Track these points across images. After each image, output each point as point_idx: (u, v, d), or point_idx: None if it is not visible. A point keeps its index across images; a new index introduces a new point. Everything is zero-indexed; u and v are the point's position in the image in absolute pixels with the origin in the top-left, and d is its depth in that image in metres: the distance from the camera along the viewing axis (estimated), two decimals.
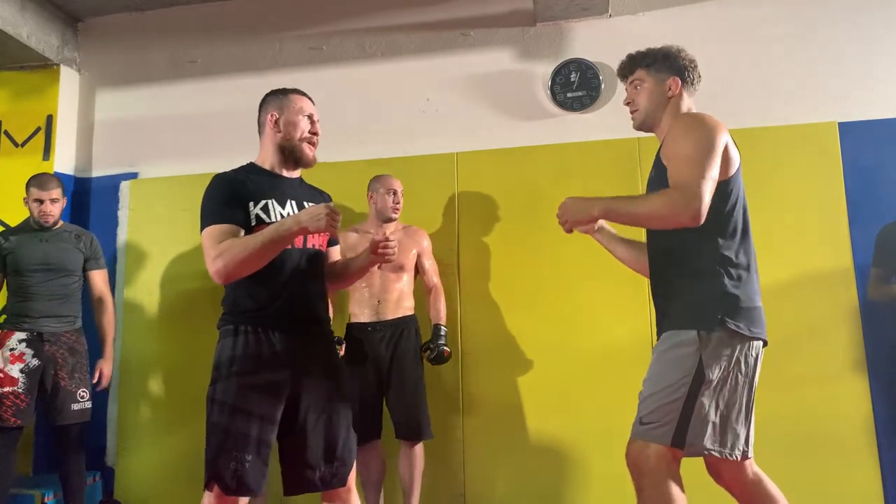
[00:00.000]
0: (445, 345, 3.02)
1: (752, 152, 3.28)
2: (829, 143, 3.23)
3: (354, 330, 3.09)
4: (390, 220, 3.14)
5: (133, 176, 3.95)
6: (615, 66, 3.49)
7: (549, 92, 3.55)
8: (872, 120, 3.24)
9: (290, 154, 2.19)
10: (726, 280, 1.84)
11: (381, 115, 3.71)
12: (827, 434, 3.02)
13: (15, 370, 3.02)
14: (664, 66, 2.06)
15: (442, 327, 3.07)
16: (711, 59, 3.44)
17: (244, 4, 4.00)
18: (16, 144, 3.96)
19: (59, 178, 3.33)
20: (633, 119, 2.14)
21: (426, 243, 3.24)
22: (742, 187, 1.99)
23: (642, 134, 3.39)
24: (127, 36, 4.13)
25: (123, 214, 3.90)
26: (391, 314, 3.04)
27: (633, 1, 3.57)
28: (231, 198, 2.06)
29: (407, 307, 3.12)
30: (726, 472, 1.99)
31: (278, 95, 2.28)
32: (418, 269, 3.21)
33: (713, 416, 1.79)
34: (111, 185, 3.95)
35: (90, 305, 3.29)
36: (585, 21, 3.60)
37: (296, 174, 2.23)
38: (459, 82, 3.67)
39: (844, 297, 3.10)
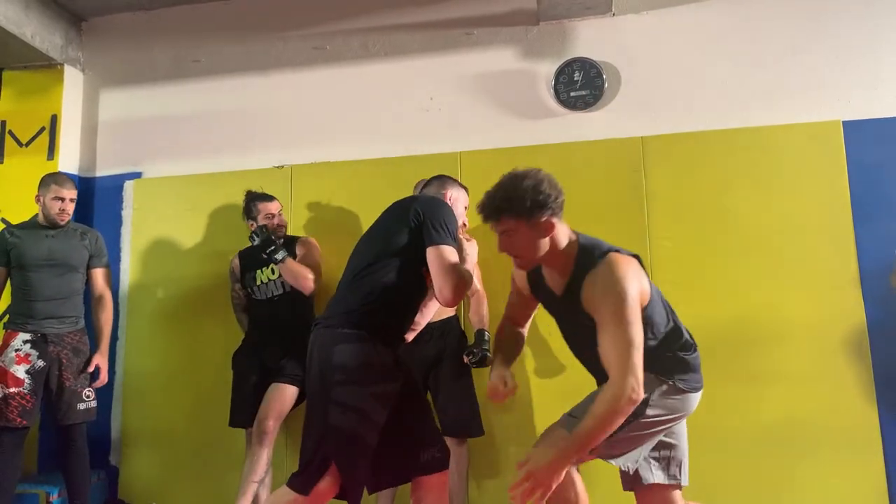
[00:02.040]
0: (489, 350, 3.00)
1: (757, 151, 3.29)
2: (833, 142, 3.22)
3: None
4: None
5: (137, 175, 3.96)
6: (619, 64, 3.53)
7: (552, 91, 3.55)
8: (877, 119, 3.23)
9: None
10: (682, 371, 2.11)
11: (384, 115, 3.71)
12: (832, 434, 3.02)
13: (21, 371, 3.03)
14: (539, 206, 1.95)
15: (485, 332, 3.06)
16: (715, 58, 3.45)
17: (247, 4, 4.00)
18: (20, 144, 3.96)
19: None
20: (517, 266, 2.10)
21: (472, 250, 3.22)
22: (658, 303, 2.04)
23: (646, 132, 3.42)
24: (131, 35, 4.13)
25: (127, 214, 3.91)
26: (436, 316, 3.03)
27: None
28: None
29: (450, 309, 3.11)
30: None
31: None
32: None
33: None
34: (115, 185, 3.95)
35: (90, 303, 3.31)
36: (589, 20, 3.60)
37: None
38: (463, 81, 3.66)
39: (849, 296, 3.10)
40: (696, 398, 2.08)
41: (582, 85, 3.51)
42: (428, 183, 2.67)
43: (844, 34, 3.35)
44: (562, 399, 3.25)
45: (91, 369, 3.18)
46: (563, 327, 2.20)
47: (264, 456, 3.02)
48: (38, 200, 3.20)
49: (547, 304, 2.20)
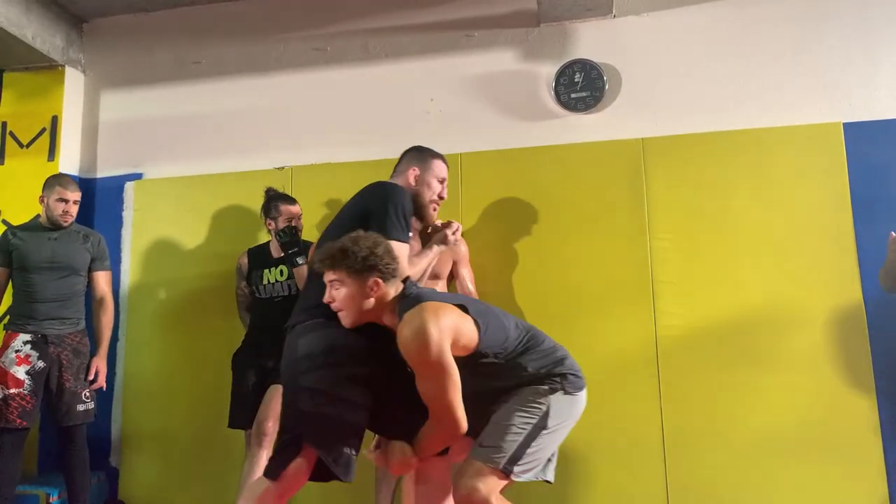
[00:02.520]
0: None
1: (757, 153, 3.29)
2: (834, 144, 3.22)
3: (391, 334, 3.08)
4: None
5: (138, 177, 3.96)
6: (620, 66, 3.53)
7: (553, 92, 3.55)
8: (878, 120, 3.22)
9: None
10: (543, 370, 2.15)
11: (384, 117, 3.71)
12: (832, 436, 3.01)
13: (21, 372, 3.03)
14: (365, 267, 2.03)
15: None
16: (716, 59, 3.45)
17: (248, 5, 4.00)
18: (21, 145, 3.97)
19: None
20: (342, 319, 2.12)
21: (464, 250, 3.22)
22: (496, 327, 2.12)
23: (647, 134, 3.42)
24: (132, 37, 4.13)
25: (128, 215, 3.91)
26: None
27: (638, 1, 3.56)
28: None
29: None
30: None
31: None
32: (452, 276, 3.19)
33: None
34: (116, 186, 3.95)
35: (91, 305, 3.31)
36: (589, 21, 3.60)
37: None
38: (463, 83, 3.66)
39: (849, 297, 3.09)
40: (583, 398, 2.21)
41: (582, 86, 3.51)
42: (401, 158, 2.70)
43: (845, 35, 3.35)
44: None
45: (91, 375, 3.18)
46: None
47: (264, 457, 3.00)
48: (41, 201, 3.20)
49: None
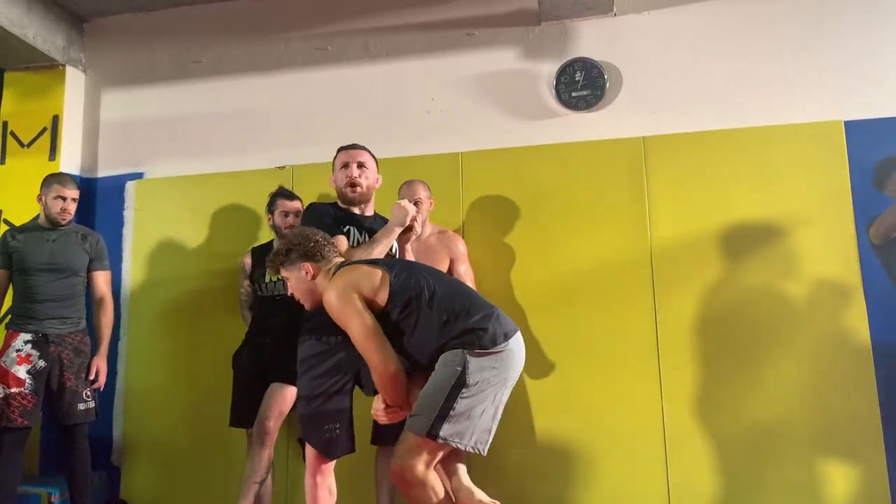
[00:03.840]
0: None
1: (758, 151, 3.28)
2: (835, 142, 3.21)
3: None
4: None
5: (139, 176, 3.96)
6: (620, 64, 3.53)
7: (553, 91, 3.54)
8: (879, 118, 3.22)
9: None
10: (462, 329, 2.17)
11: (385, 116, 3.71)
12: (834, 434, 3.01)
13: (22, 371, 3.03)
14: (290, 261, 2.34)
15: None
16: (716, 57, 3.45)
17: (249, 5, 4.00)
18: (22, 145, 3.97)
19: None
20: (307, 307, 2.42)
21: (461, 248, 3.22)
22: (409, 280, 2.22)
23: (648, 132, 3.43)
24: (132, 36, 4.14)
25: (129, 215, 3.91)
26: None
27: None
28: None
29: None
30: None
31: None
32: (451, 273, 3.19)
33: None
34: (117, 186, 3.96)
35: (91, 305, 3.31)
36: (590, 20, 3.60)
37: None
38: (464, 82, 3.66)
39: (851, 295, 3.09)
40: (512, 355, 2.18)
41: (583, 85, 3.51)
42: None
43: (846, 34, 3.34)
44: (558, 399, 3.27)
45: (91, 375, 3.18)
46: None
47: (265, 456, 3.01)
48: (39, 200, 3.20)
49: None
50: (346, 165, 2.67)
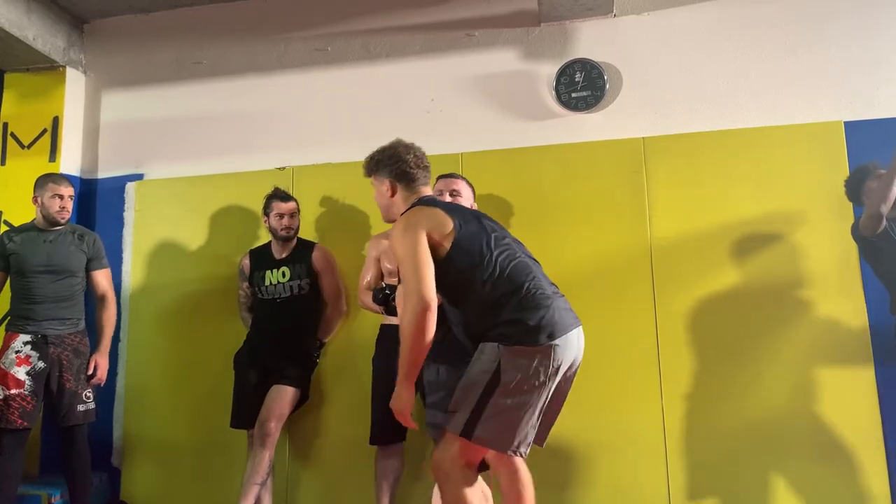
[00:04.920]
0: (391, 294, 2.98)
1: (758, 152, 3.29)
2: (834, 143, 3.22)
3: (388, 331, 3.09)
4: None
5: (139, 177, 3.97)
6: (620, 65, 3.54)
7: (553, 92, 3.55)
8: (878, 119, 3.23)
9: None
10: (504, 314, 2.09)
11: (385, 116, 3.71)
12: (834, 436, 3.01)
13: (21, 372, 3.03)
14: (380, 171, 2.36)
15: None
16: (716, 58, 3.45)
17: (249, 6, 4.00)
18: (22, 146, 3.97)
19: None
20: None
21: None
22: (475, 239, 2.18)
23: (648, 133, 3.43)
24: (132, 38, 4.14)
25: (129, 216, 3.91)
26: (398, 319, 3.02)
27: (638, 0, 3.56)
28: None
29: None
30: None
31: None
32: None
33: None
34: (117, 187, 3.96)
35: (93, 306, 3.30)
36: (590, 21, 3.60)
37: None
38: (464, 83, 3.66)
39: (851, 296, 3.09)
40: (557, 353, 2.05)
41: (583, 86, 3.51)
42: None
43: (846, 35, 3.35)
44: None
45: (90, 370, 3.18)
46: None
47: (266, 458, 3.01)
48: (35, 202, 3.19)
49: None
50: (440, 193, 2.69)
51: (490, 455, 2.20)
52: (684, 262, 3.25)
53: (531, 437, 2.08)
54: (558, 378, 2.08)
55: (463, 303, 2.15)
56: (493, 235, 2.21)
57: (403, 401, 2.12)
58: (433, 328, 2.05)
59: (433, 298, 2.05)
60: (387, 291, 2.80)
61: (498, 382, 2.00)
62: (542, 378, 2.02)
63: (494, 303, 2.10)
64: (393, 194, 2.32)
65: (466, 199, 2.79)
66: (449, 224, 2.17)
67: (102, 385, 3.28)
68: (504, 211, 3.46)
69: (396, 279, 3.03)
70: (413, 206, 2.27)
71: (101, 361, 3.21)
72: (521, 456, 2.08)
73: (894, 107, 3.24)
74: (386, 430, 2.99)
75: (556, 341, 2.03)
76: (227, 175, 3.81)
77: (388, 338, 3.05)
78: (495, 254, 2.16)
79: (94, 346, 3.25)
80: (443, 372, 2.41)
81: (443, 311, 2.38)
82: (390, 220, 2.38)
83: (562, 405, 2.22)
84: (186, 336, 3.69)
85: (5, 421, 2.97)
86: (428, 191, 2.36)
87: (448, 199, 2.62)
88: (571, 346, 2.09)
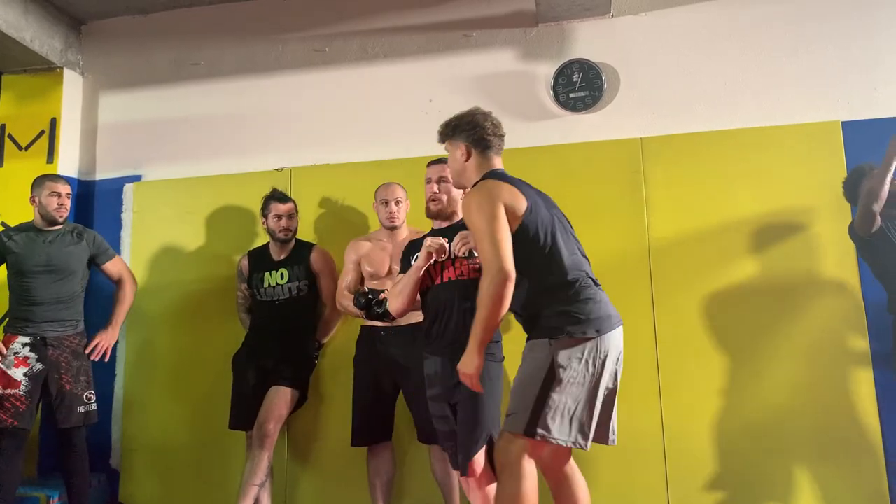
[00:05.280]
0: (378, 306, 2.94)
1: (756, 152, 3.29)
2: (832, 143, 3.22)
3: (368, 333, 3.09)
4: (391, 228, 3.13)
5: (137, 178, 3.96)
6: (618, 66, 3.54)
7: (551, 92, 3.55)
8: (876, 119, 3.23)
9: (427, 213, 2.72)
10: (558, 305, 2.14)
11: (383, 117, 3.71)
12: (832, 432, 3.02)
13: (18, 373, 3.03)
14: (456, 135, 2.37)
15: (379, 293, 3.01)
16: (714, 59, 3.45)
17: (247, 7, 4.00)
18: (20, 147, 3.97)
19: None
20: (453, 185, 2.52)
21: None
22: (543, 221, 2.21)
23: (646, 133, 3.43)
24: (130, 39, 4.13)
25: (127, 217, 3.91)
26: (405, 320, 3.03)
27: (636, 1, 3.56)
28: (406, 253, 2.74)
29: (418, 313, 3.11)
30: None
31: None
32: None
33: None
34: (115, 188, 3.95)
35: (93, 306, 3.30)
36: (588, 21, 3.60)
37: (446, 224, 2.65)
38: (462, 83, 3.66)
39: (849, 296, 3.10)
40: (605, 343, 2.12)
41: (581, 86, 3.51)
42: None
43: (843, 35, 3.35)
44: None
45: (89, 349, 3.16)
46: None
47: (265, 459, 3.01)
48: (33, 202, 3.19)
49: None
50: (427, 182, 2.68)
51: (546, 455, 2.21)
52: (682, 262, 3.26)
53: (588, 431, 2.11)
54: (606, 373, 2.14)
55: (518, 285, 2.14)
56: (558, 226, 2.25)
57: (475, 366, 2.13)
58: (510, 299, 2.09)
59: (512, 269, 2.07)
60: (369, 296, 2.82)
61: (553, 378, 2.05)
62: (591, 370, 2.09)
63: (547, 291, 2.15)
64: (467, 159, 2.33)
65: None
66: (523, 205, 2.18)
67: (97, 359, 3.22)
68: None
69: (377, 283, 3.06)
70: (487, 176, 2.27)
71: (103, 336, 3.20)
72: (583, 447, 2.10)
73: (892, 107, 3.25)
74: (368, 431, 3.04)
75: (603, 335, 2.12)
76: (225, 176, 3.80)
77: (369, 340, 3.07)
78: (558, 244, 2.20)
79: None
80: (439, 365, 2.44)
81: (446, 304, 2.44)
82: (461, 186, 2.44)
83: (614, 403, 2.27)
84: (185, 337, 3.69)
85: None
86: (500, 163, 2.37)
87: (436, 186, 2.63)
88: (615, 341, 2.17)
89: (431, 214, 2.66)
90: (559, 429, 2.05)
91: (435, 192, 2.63)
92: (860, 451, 2.99)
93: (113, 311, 3.27)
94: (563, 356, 2.07)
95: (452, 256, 2.48)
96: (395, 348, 2.99)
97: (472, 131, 2.34)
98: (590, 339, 2.10)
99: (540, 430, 2.03)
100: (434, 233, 2.61)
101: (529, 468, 2.07)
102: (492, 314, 2.09)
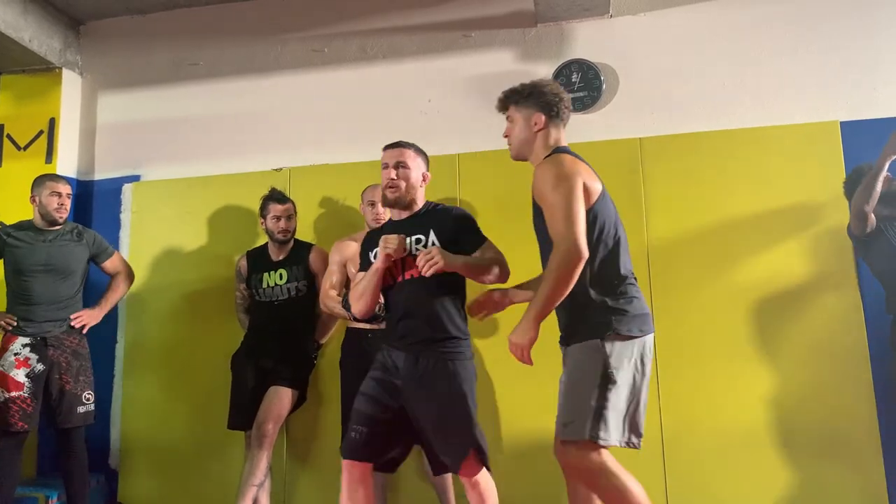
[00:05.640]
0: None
1: (754, 152, 3.29)
2: (830, 143, 3.23)
3: (354, 336, 3.10)
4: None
5: (135, 179, 3.96)
6: (617, 66, 3.54)
7: None
8: (874, 119, 3.23)
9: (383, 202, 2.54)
10: (608, 299, 2.07)
11: (382, 117, 3.71)
12: (831, 433, 3.02)
13: (21, 375, 3.03)
14: (530, 102, 2.23)
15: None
16: (713, 59, 3.45)
17: (246, 7, 4.00)
18: (18, 148, 3.97)
19: None
20: (509, 149, 2.34)
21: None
22: (609, 210, 2.17)
23: (644, 133, 3.43)
24: (129, 39, 4.13)
25: (126, 217, 3.91)
26: None
27: (635, 1, 3.57)
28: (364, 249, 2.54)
29: None
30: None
31: None
32: None
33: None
34: (113, 188, 3.95)
35: (92, 305, 3.30)
36: (587, 21, 3.60)
37: (411, 211, 2.48)
38: (461, 84, 3.67)
39: (848, 297, 3.10)
40: (648, 342, 2.10)
41: (580, 86, 3.51)
42: None
43: (842, 35, 3.35)
44: (556, 400, 3.27)
45: (75, 316, 3.17)
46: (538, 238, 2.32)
47: (264, 459, 3.01)
48: (33, 201, 3.19)
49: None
50: (384, 167, 2.48)
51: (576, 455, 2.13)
52: (681, 261, 3.26)
53: (640, 430, 2.07)
54: (647, 370, 2.10)
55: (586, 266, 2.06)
56: (617, 218, 2.19)
57: (530, 338, 2.04)
58: (577, 279, 2.01)
59: (586, 250, 1.99)
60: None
61: (609, 379, 1.99)
62: (638, 368, 2.05)
63: (600, 282, 2.08)
64: (540, 129, 2.21)
65: (416, 170, 2.48)
66: (598, 189, 2.12)
67: (78, 326, 3.19)
68: (501, 212, 3.46)
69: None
70: (557, 151, 2.17)
71: (88, 313, 3.21)
72: (636, 447, 2.06)
73: (890, 107, 3.25)
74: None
75: (648, 335, 2.09)
76: (223, 176, 3.81)
77: (355, 341, 3.06)
78: (619, 235, 2.15)
79: (93, 349, 3.24)
80: (402, 360, 2.32)
81: (413, 302, 2.33)
82: (521, 158, 2.29)
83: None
84: (184, 337, 3.69)
85: (5, 423, 2.97)
86: (565, 140, 2.27)
87: (393, 172, 2.42)
88: (650, 341, 2.12)
89: (388, 203, 2.47)
90: (617, 431, 2.00)
91: (393, 179, 2.42)
92: (859, 450, 2.99)
93: (104, 295, 3.29)
94: (615, 357, 2.01)
95: (414, 252, 2.34)
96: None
97: (550, 98, 2.21)
98: (636, 337, 2.05)
99: (602, 434, 1.96)
100: (392, 225, 2.48)
101: (612, 461, 2.00)
102: (557, 293, 2.00)
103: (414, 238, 2.37)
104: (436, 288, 2.32)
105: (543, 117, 2.21)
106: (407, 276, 2.36)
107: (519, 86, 2.27)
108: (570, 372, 2.09)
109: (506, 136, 2.32)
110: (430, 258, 2.22)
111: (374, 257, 2.38)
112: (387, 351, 2.39)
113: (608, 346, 2.02)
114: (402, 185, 2.43)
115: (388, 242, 2.30)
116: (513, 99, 2.26)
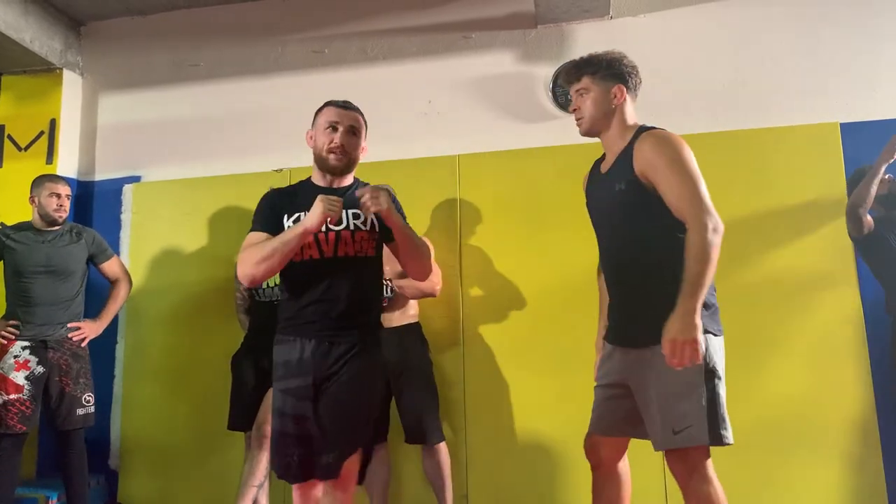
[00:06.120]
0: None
1: (754, 153, 3.29)
2: (830, 144, 3.23)
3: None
4: None
5: (136, 179, 3.96)
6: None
7: (550, 94, 3.55)
8: (874, 121, 3.24)
9: (322, 165, 2.25)
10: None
11: (382, 118, 3.68)
12: (830, 433, 3.02)
13: (20, 377, 3.03)
14: (608, 73, 2.08)
15: None
16: (712, 60, 3.46)
17: (246, 8, 4.01)
18: (19, 148, 3.97)
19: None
20: (578, 126, 2.15)
21: None
22: None
23: None
24: (129, 40, 4.14)
25: (126, 218, 3.91)
26: (396, 321, 3.04)
27: (635, 2, 3.57)
28: (271, 209, 2.21)
29: (411, 315, 3.12)
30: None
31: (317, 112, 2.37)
32: None
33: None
34: (114, 189, 3.96)
35: (93, 306, 3.30)
36: (587, 23, 3.61)
37: (344, 182, 2.25)
38: (461, 85, 3.67)
39: (847, 298, 3.10)
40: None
41: None
42: None
43: (842, 37, 3.36)
44: (557, 399, 3.27)
45: (74, 325, 3.15)
46: (600, 219, 2.20)
47: (264, 460, 3.01)
48: (32, 202, 3.19)
49: (590, 198, 2.25)
50: (329, 125, 2.26)
51: (607, 449, 2.10)
52: None
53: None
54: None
55: (649, 275, 1.95)
56: None
57: (697, 327, 1.80)
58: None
59: (718, 217, 1.86)
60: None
61: (714, 373, 1.88)
62: (723, 363, 1.94)
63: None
64: (622, 102, 2.06)
65: (362, 140, 2.32)
66: None
67: (77, 340, 3.16)
68: (501, 212, 3.47)
69: None
70: (645, 129, 2.03)
71: (89, 326, 3.18)
72: (730, 442, 1.91)
73: (890, 108, 3.26)
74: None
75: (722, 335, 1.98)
76: (224, 177, 3.81)
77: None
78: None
79: (93, 351, 3.24)
80: (310, 350, 2.11)
81: (338, 285, 2.10)
82: (593, 133, 2.12)
83: None
84: (184, 338, 3.69)
85: (5, 426, 2.97)
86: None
87: (344, 137, 2.21)
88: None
89: (328, 168, 2.19)
90: (720, 427, 1.87)
91: (342, 145, 2.19)
92: (858, 450, 2.99)
93: (105, 306, 3.28)
94: (711, 351, 1.88)
95: (352, 227, 2.11)
96: (389, 350, 2.99)
97: (630, 71, 2.08)
98: (719, 336, 1.95)
99: (724, 433, 1.85)
100: (319, 192, 2.13)
101: (712, 470, 1.92)
102: (711, 269, 1.82)
103: (351, 213, 2.12)
104: (365, 271, 2.13)
105: (624, 89, 2.07)
106: (340, 254, 2.09)
107: (593, 55, 2.10)
108: (663, 377, 1.88)
109: (574, 111, 2.13)
110: (377, 197, 2.00)
111: (294, 221, 2.12)
112: (288, 345, 2.15)
113: (709, 338, 1.88)
114: (351, 154, 2.21)
115: (333, 203, 2.00)
116: (590, 69, 2.08)
